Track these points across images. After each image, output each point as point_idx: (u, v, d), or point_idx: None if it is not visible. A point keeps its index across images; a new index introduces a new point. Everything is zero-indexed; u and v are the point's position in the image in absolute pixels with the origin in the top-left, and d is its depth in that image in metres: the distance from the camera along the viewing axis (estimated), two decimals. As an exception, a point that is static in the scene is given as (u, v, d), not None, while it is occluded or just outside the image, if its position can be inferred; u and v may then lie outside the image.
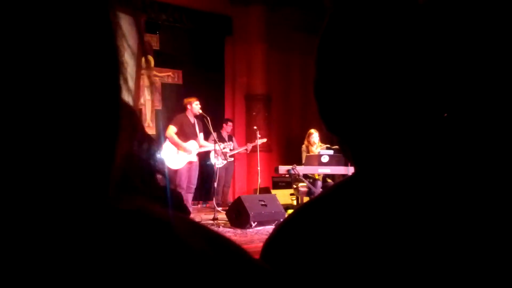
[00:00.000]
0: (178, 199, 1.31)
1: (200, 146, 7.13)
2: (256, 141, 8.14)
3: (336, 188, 0.59)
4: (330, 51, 0.55)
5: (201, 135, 7.18)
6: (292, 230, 0.57)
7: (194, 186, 7.09)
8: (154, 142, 1.25)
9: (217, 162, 7.53)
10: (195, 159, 7.06)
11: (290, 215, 0.61)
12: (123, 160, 0.35)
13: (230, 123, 8.95)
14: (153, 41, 9.34)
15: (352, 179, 0.58)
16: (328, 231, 0.53)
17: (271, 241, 0.58)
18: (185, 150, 6.93)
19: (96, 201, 0.32)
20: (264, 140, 8.47)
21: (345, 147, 0.58)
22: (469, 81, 0.50)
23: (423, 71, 0.49)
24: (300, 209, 0.60)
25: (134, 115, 1.40)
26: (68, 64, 0.30)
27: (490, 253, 0.45)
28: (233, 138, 8.94)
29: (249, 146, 8.49)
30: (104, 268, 0.31)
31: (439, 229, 0.47)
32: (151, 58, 9.24)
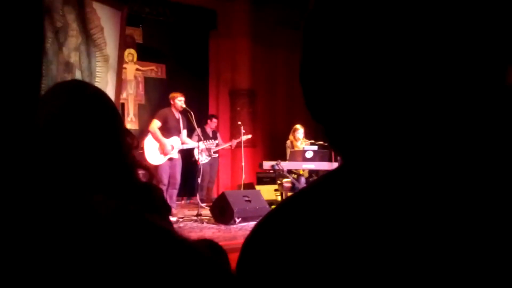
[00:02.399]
0: (158, 194, 1.30)
1: (183, 143, 7.07)
2: (240, 137, 8.12)
3: (320, 181, 0.56)
4: (316, 32, 0.52)
5: (184, 132, 7.10)
6: (273, 225, 0.55)
7: (178, 182, 7.03)
8: (134, 137, 1.23)
9: (201, 158, 7.49)
10: (176, 155, 6.98)
11: (272, 210, 0.58)
12: (104, 155, 0.36)
13: (214, 120, 8.88)
14: (136, 34, 9.24)
15: (337, 172, 0.55)
16: (312, 226, 0.50)
17: (251, 238, 0.55)
18: (163, 148, 6.83)
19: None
20: (249, 136, 8.46)
21: (331, 137, 0.55)
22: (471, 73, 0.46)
23: (415, 54, 0.45)
24: (283, 204, 0.57)
25: (115, 109, 1.35)
26: None
27: (490, 254, 0.43)
28: (218, 134, 8.90)
29: (234, 142, 8.47)
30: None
31: (433, 228, 0.44)
32: (133, 51, 9.14)
